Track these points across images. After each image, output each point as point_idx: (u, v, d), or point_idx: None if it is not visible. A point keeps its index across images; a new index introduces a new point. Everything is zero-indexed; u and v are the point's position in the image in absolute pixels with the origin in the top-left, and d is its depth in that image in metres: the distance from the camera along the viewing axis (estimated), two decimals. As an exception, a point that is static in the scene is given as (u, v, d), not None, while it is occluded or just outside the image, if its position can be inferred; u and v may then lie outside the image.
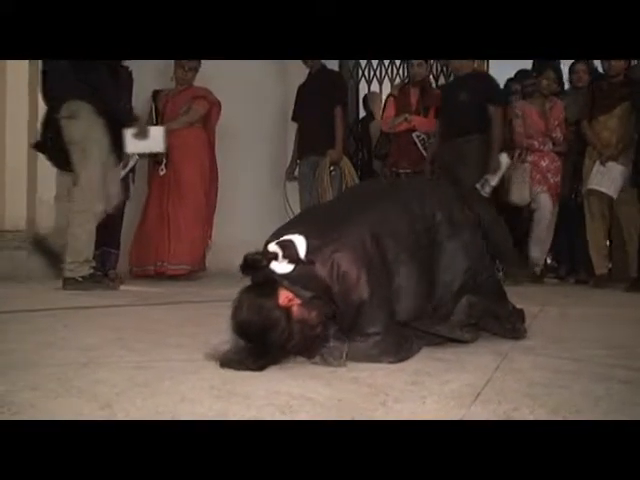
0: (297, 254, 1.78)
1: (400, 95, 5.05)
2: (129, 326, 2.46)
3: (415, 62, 4.81)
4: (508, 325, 2.30)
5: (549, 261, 5.31)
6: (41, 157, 4.33)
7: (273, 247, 1.81)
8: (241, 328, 1.70)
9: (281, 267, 1.76)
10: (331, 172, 4.81)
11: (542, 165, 4.66)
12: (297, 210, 4.76)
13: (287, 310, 1.71)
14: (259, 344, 1.69)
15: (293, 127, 5.16)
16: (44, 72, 3.79)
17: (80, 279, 3.58)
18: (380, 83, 5.85)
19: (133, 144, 3.90)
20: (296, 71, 5.12)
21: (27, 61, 4.15)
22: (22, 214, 4.27)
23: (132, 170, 4.37)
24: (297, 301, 1.73)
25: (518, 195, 4.65)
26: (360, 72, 5.91)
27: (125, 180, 4.32)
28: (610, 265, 4.72)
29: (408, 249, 1.98)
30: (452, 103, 4.56)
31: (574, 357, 2.02)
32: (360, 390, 1.55)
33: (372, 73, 5.85)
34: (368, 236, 1.89)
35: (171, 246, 4.51)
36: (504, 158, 4.55)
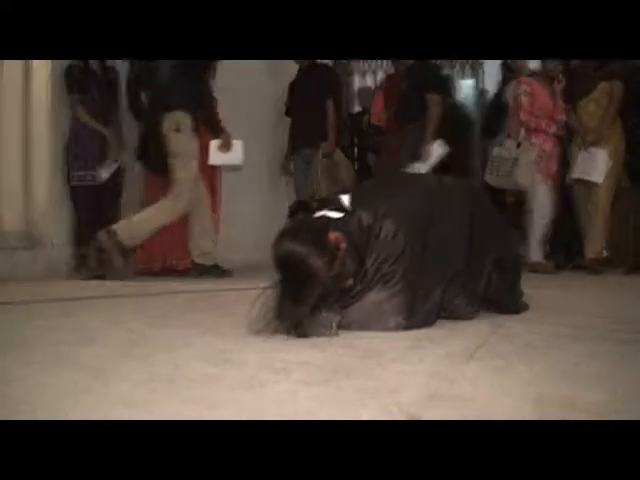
0: (342, 204, 1.87)
1: (387, 88, 5.05)
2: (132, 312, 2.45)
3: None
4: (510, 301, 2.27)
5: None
6: (36, 158, 4.33)
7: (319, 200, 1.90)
8: (287, 257, 1.65)
9: (330, 214, 1.82)
10: (324, 164, 4.79)
11: (546, 149, 4.54)
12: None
13: (334, 249, 1.72)
14: (298, 280, 1.65)
15: (287, 123, 5.16)
16: (134, 80, 4.01)
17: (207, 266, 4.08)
18: (375, 77, 5.85)
19: (216, 156, 4.04)
20: (290, 69, 5.11)
21: (20, 61, 4.14)
22: (18, 214, 4.26)
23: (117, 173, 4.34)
24: (344, 244, 1.75)
25: (524, 178, 4.46)
26: (354, 66, 5.90)
27: (119, 177, 4.30)
28: (605, 253, 4.63)
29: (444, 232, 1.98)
30: (398, 93, 4.65)
31: (572, 324, 2.00)
32: (355, 354, 1.53)
33: (367, 66, 5.84)
34: (411, 208, 1.94)
35: (176, 240, 4.49)
36: (437, 147, 4.45)
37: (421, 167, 4.36)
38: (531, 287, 2.52)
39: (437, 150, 4.46)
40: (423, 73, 4.53)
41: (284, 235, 1.71)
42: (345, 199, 1.93)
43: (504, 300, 2.22)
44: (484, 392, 1.18)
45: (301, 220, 1.79)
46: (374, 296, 1.85)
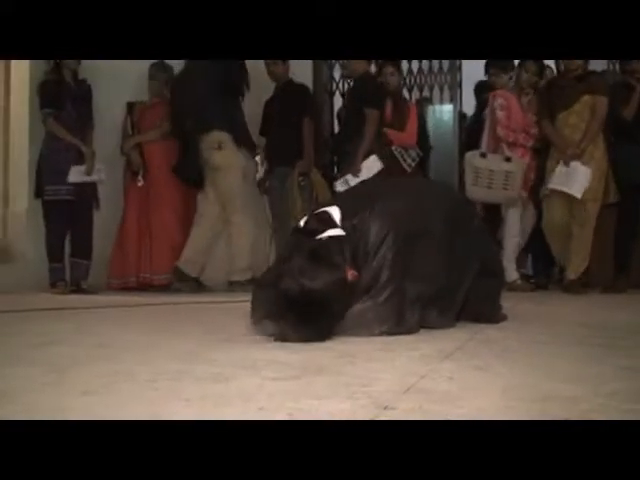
0: (333, 220, 1.83)
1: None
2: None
3: (388, 71, 4.78)
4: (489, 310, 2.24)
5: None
6: (15, 173, 4.27)
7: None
8: (306, 295, 1.63)
9: (333, 232, 1.79)
10: (300, 182, 4.76)
11: (525, 163, 4.50)
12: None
13: (351, 284, 1.71)
14: (315, 313, 1.65)
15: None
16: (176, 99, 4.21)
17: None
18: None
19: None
20: (268, 86, 5.08)
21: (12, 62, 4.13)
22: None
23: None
24: (357, 275, 1.73)
25: (516, 191, 4.38)
26: (335, 86, 5.88)
27: (93, 191, 4.24)
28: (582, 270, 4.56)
29: (432, 236, 1.98)
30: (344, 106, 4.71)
31: (550, 332, 1.97)
32: (328, 354, 1.48)
33: (347, 86, 5.84)
34: (396, 213, 1.92)
35: (153, 255, 4.45)
36: (371, 162, 4.45)
37: (351, 180, 4.35)
38: (508, 301, 2.50)
39: (371, 165, 4.44)
40: (363, 87, 4.55)
41: (300, 272, 1.66)
42: (335, 213, 1.88)
43: (483, 310, 2.19)
44: (460, 386, 1.14)
45: (314, 252, 1.72)
46: (360, 305, 1.82)
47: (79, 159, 4.11)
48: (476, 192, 4.39)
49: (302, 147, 4.63)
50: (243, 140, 4.26)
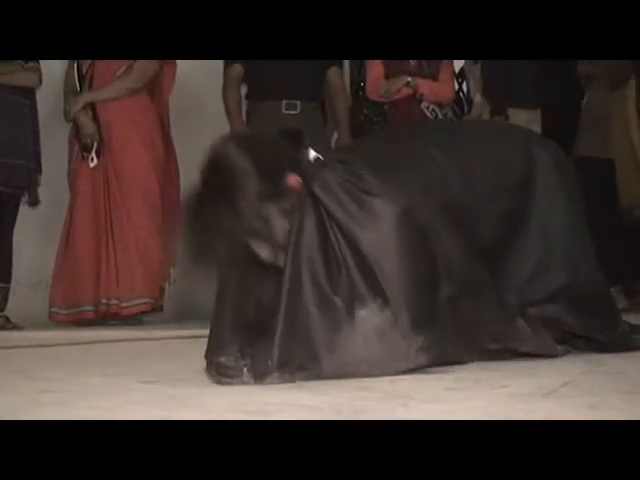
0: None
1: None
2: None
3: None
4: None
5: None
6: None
7: None
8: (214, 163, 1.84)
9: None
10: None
11: None
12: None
13: (286, 187, 1.84)
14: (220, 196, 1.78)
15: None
16: None
17: None
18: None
19: None
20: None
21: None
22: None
23: None
24: (302, 192, 1.86)
25: None
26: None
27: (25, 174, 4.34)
28: None
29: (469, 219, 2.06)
30: None
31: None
32: (370, 395, 1.56)
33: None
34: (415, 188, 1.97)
35: (119, 275, 4.38)
36: None
37: None
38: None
39: None
40: None
41: (227, 139, 1.92)
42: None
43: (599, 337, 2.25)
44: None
45: (263, 133, 1.95)
46: (370, 317, 1.82)
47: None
48: None
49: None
50: None
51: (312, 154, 1.93)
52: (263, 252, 1.85)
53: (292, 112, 4.50)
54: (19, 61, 4.15)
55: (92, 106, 4.51)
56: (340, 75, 4.78)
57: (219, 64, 4.79)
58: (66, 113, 4.55)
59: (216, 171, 1.82)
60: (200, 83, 5.26)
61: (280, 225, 1.85)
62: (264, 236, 1.84)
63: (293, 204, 1.85)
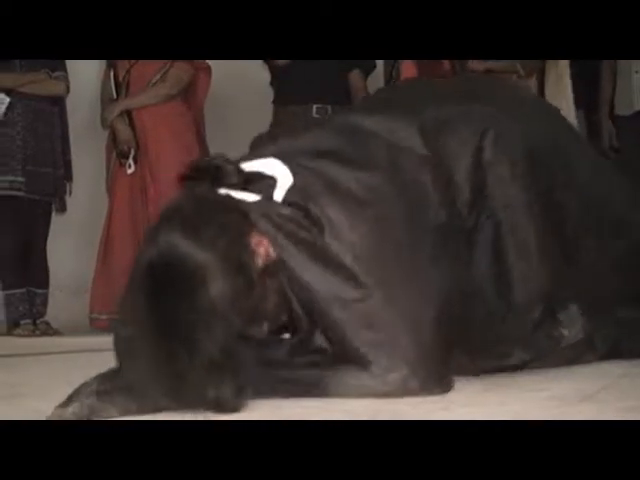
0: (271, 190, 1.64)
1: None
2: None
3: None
4: None
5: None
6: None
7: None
8: (166, 260, 1.48)
9: (248, 196, 1.62)
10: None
11: None
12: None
13: (256, 263, 1.55)
14: (184, 307, 1.43)
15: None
16: None
17: None
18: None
19: None
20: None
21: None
22: None
23: None
24: (273, 256, 1.57)
25: None
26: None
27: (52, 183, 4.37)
28: None
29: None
30: None
31: None
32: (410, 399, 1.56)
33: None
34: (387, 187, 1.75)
35: None
36: None
37: None
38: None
39: None
40: None
41: (167, 219, 1.55)
42: (277, 167, 1.69)
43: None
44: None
45: (203, 196, 1.60)
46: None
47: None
48: None
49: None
50: None
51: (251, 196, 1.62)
52: (263, 330, 1.64)
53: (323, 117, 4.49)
54: (46, 70, 4.21)
55: (128, 113, 4.56)
56: (362, 78, 4.76)
57: (251, 68, 4.80)
58: (103, 120, 4.62)
59: (179, 292, 1.45)
60: (234, 87, 5.28)
61: (270, 297, 1.60)
62: (260, 317, 1.61)
63: (268, 264, 1.57)
